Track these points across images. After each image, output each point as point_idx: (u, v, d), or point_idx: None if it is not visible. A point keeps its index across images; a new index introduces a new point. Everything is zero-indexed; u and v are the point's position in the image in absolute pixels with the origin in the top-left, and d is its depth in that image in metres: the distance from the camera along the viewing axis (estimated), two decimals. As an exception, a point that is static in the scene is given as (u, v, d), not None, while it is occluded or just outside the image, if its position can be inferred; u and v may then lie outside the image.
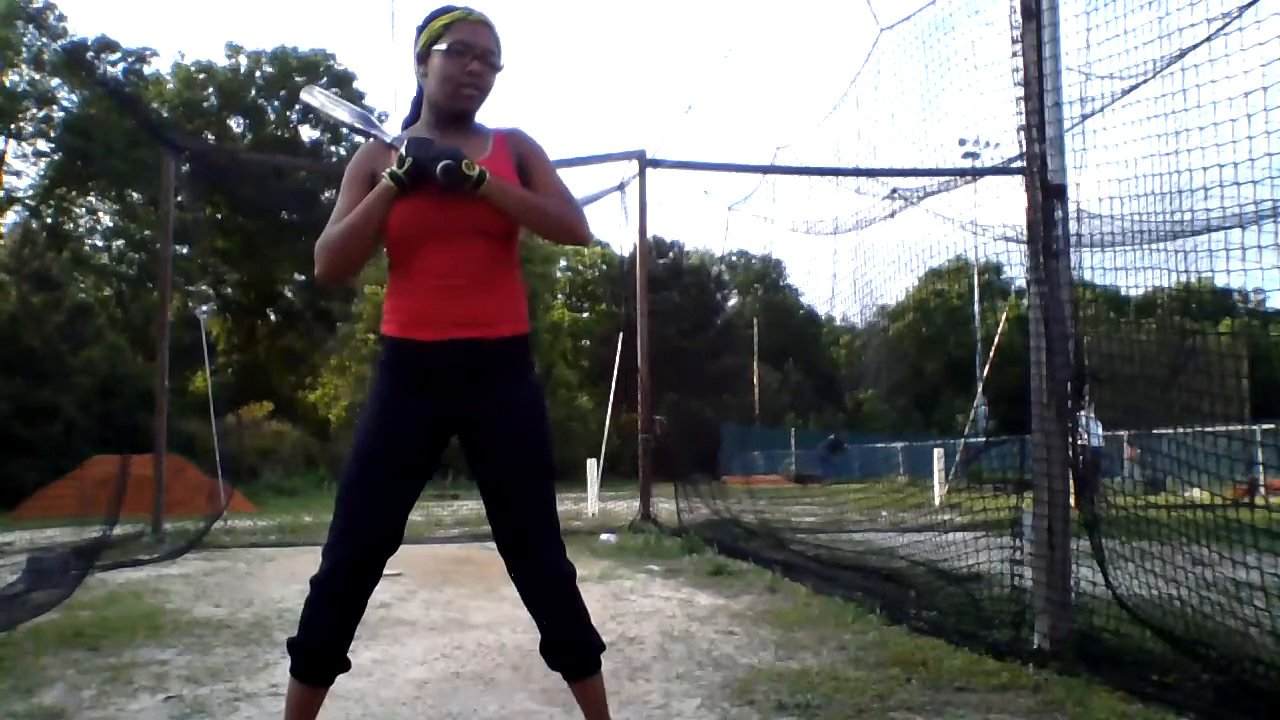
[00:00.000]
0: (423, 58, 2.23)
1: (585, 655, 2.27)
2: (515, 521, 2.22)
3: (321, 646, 2.17)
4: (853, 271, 8.07)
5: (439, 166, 2.07)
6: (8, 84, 29.98)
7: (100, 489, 13.07)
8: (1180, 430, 3.88)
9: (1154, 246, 3.82)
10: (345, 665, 2.22)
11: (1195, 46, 3.28)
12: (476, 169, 2.09)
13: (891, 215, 8.05)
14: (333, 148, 36.85)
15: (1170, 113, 3.37)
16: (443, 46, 2.18)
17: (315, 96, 2.51)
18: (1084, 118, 3.86)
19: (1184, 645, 3.28)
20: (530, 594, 2.25)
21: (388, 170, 2.12)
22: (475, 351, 2.16)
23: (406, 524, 2.22)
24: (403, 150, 2.11)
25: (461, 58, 2.17)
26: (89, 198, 34.18)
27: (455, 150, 2.09)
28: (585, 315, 44.22)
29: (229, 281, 36.21)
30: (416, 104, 2.32)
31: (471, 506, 14.60)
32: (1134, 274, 3.80)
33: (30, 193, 32.37)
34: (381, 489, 2.16)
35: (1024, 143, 3.78)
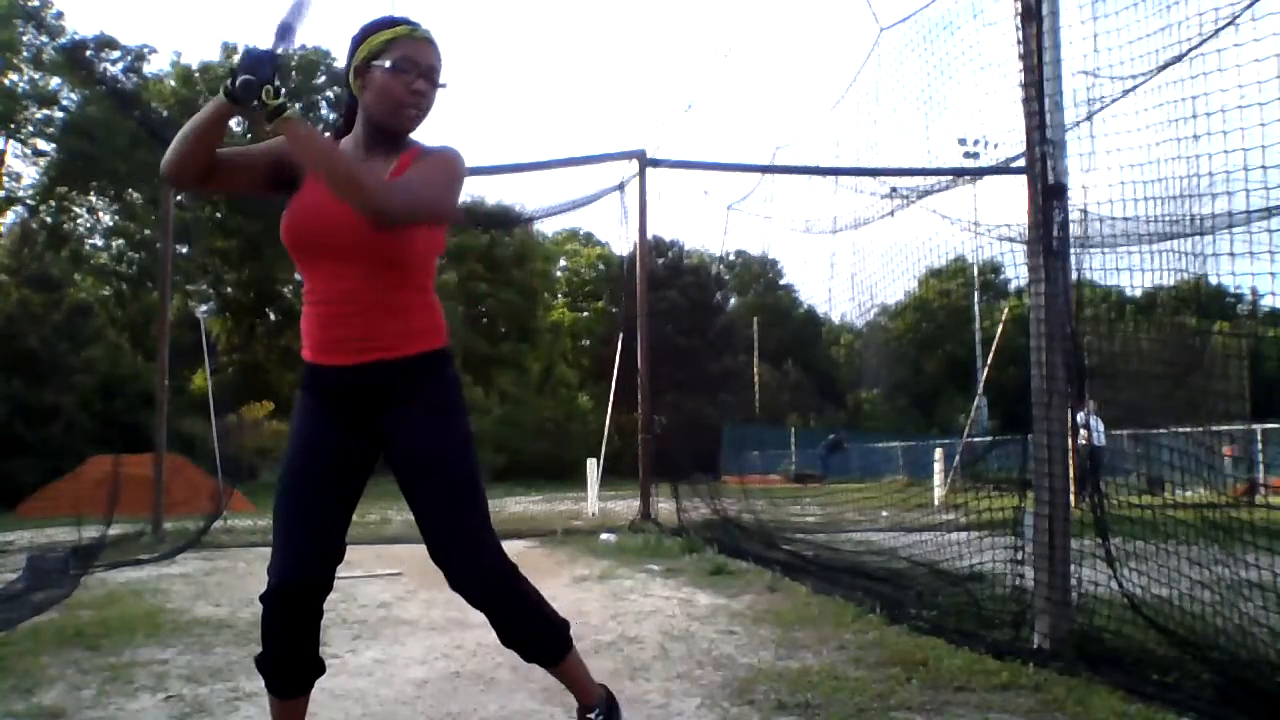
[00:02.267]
0: (361, 71, 2.15)
1: (545, 643, 2.31)
2: (434, 531, 2.21)
3: (283, 660, 2.17)
4: (852, 271, 8.06)
5: (239, 79, 1.91)
6: (7, 83, 29.97)
7: (100, 489, 13.07)
8: (1184, 429, 3.89)
9: (1158, 248, 3.82)
10: (318, 670, 2.22)
11: (1196, 47, 3.28)
12: (278, 102, 1.91)
13: (891, 214, 8.06)
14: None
15: (1176, 119, 3.36)
16: (386, 63, 2.11)
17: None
18: (1078, 122, 3.85)
19: (1191, 646, 3.28)
20: (467, 598, 2.27)
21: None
22: (380, 373, 2.15)
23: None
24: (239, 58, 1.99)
25: (405, 75, 2.11)
26: (89, 197, 34.16)
27: (266, 71, 1.92)
28: (585, 315, 44.24)
29: (229, 281, 36.18)
30: (349, 113, 2.24)
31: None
32: (1139, 274, 3.80)
33: (30, 193, 32.36)
34: (307, 508, 2.17)
35: (1025, 143, 3.78)
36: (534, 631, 2.29)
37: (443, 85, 2.20)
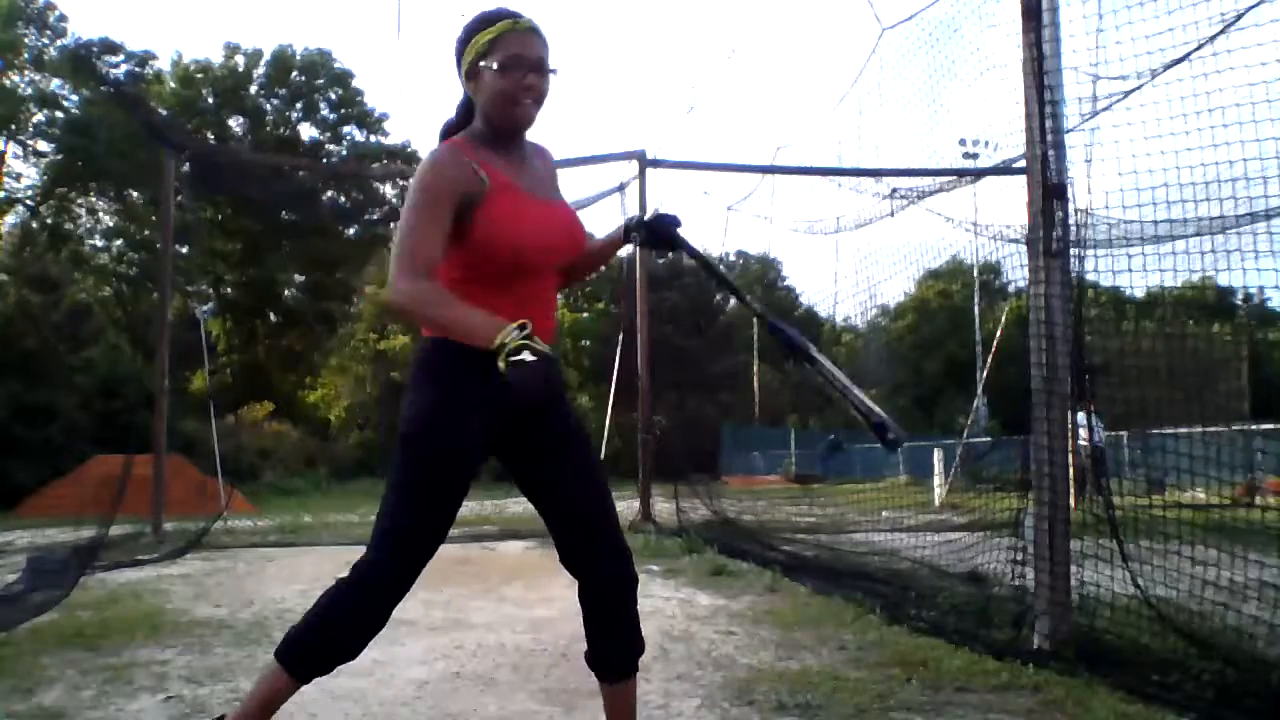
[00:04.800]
0: (471, 74, 2.10)
1: (630, 656, 2.21)
2: (593, 522, 2.21)
3: (347, 656, 2.11)
4: (855, 271, 8.07)
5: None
6: (7, 84, 29.97)
7: (100, 489, 13.07)
8: (1184, 430, 3.89)
9: (1162, 249, 3.82)
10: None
11: (1199, 48, 3.28)
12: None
13: (892, 215, 8.06)
14: (332, 147, 36.86)
15: (1185, 134, 3.36)
16: (494, 64, 2.05)
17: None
18: (1082, 123, 3.85)
19: (1205, 645, 3.26)
20: (600, 598, 2.21)
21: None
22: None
23: None
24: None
25: (515, 72, 2.05)
26: (89, 198, 34.16)
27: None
28: (585, 315, 44.21)
29: (229, 282, 36.20)
30: (465, 110, 2.18)
31: (470, 507, 14.59)
32: (1141, 275, 3.80)
33: (30, 193, 32.37)
34: (449, 521, 2.12)
35: (1025, 143, 3.78)
36: (631, 641, 2.20)
37: (553, 71, 2.13)
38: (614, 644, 2.17)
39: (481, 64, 2.07)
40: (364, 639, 2.10)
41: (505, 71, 2.06)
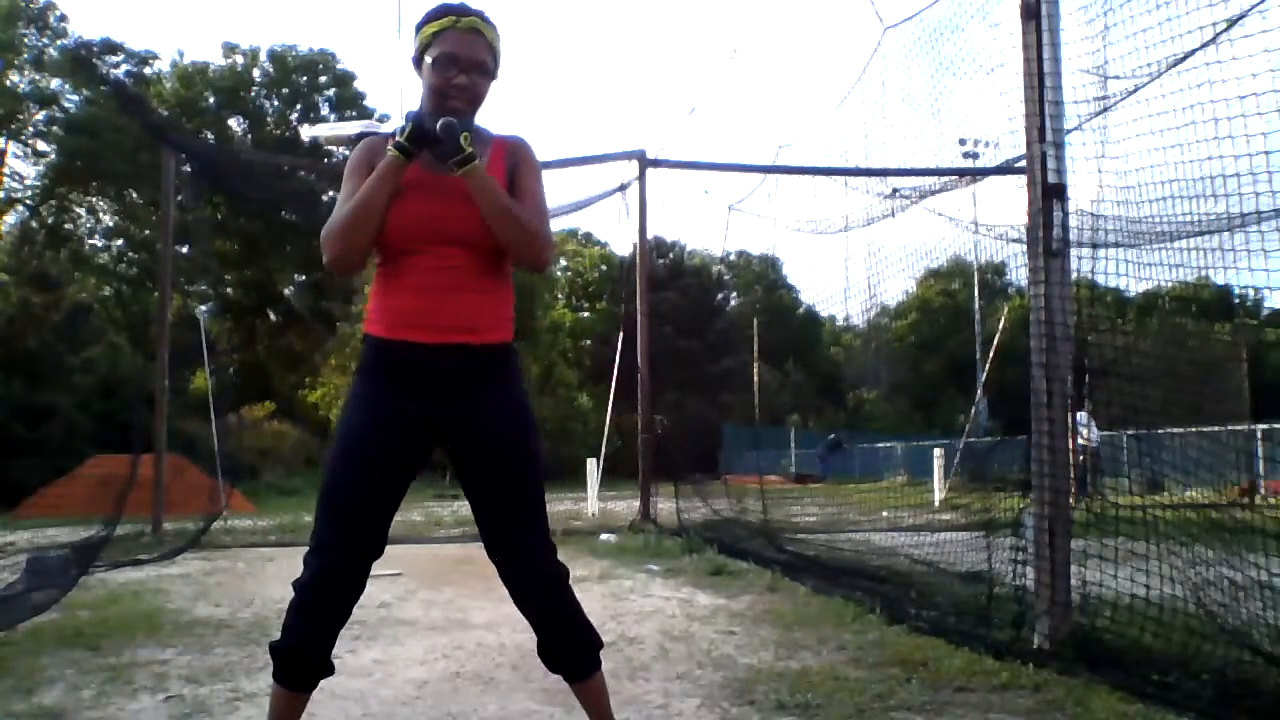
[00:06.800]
0: (417, 63, 2.21)
1: (583, 656, 2.27)
2: (506, 526, 2.21)
3: (305, 653, 2.15)
4: (854, 271, 8.07)
5: (440, 123, 2.05)
6: (8, 84, 29.96)
7: (100, 489, 13.06)
8: (1182, 430, 3.89)
9: (1165, 248, 3.81)
10: (329, 670, 2.20)
11: (1202, 47, 3.28)
12: (471, 148, 2.06)
13: (893, 214, 8.06)
14: (332, 147, 36.78)
15: (1185, 122, 3.35)
16: (429, 59, 2.15)
17: (317, 130, 2.53)
18: (1080, 124, 3.85)
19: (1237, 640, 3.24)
20: (523, 597, 2.24)
21: (391, 142, 2.09)
22: (465, 356, 2.14)
23: (394, 526, 2.22)
24: (404, 121, 2.10)
25: (448, 70, 2.14)
26: (89, 198, 34.13)
27: (457, 122, 2.07)
28: (585, 315, 44.20)
29: (229, 282, 36.16)
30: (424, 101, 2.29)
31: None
32: (1142, 275, 3.80)
33: (30, 193, 32.34)
34: (369, 494, 2.12)
35: (1025, 143, 3.78)
36: (572, 642, 2.25)
37: (493, 75, 2.20)
38: (544, 641, 2.26)
39: (424, 57, 2.18)
40: None
41: (437, 68, 2.15)
